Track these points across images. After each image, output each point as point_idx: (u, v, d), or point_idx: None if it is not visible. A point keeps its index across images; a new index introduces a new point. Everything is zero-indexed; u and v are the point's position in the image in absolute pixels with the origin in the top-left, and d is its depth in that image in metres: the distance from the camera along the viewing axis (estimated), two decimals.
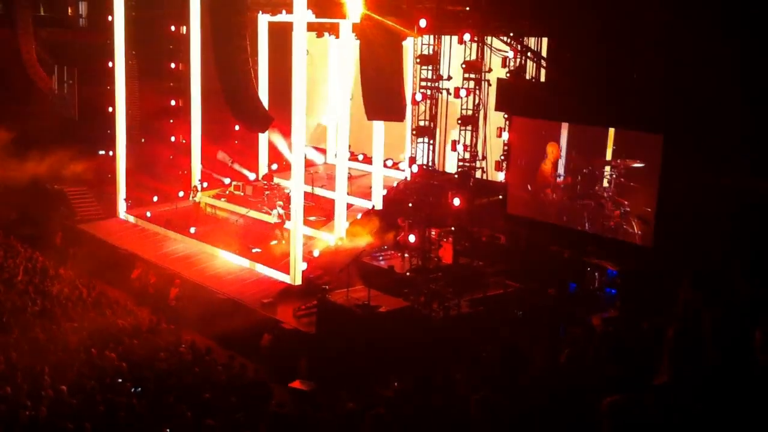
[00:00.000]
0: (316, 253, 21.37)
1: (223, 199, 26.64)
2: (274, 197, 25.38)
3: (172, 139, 28.05)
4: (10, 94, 29.22)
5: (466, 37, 19.28)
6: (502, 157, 20.26)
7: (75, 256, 23.47)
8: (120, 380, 14.16)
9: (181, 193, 26.94)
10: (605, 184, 17.22)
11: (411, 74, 21.77)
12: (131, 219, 26.29)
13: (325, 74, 28.37)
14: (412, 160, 19.73)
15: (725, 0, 14.88)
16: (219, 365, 15.60)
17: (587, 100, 17.27)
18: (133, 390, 13.90)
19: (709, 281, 13.59)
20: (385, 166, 25.09)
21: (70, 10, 33.47)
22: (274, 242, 22.39)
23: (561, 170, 18.10)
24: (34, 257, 22.23)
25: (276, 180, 27.11)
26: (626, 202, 16.63)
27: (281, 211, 22.83)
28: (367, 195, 24.48)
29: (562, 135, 18.09)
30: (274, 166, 28.72)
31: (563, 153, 18.04)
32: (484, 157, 20.46)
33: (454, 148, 19.50)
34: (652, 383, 9.60)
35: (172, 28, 27.54)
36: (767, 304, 11.06)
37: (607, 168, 17.12)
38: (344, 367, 15.61)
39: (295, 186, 20.91)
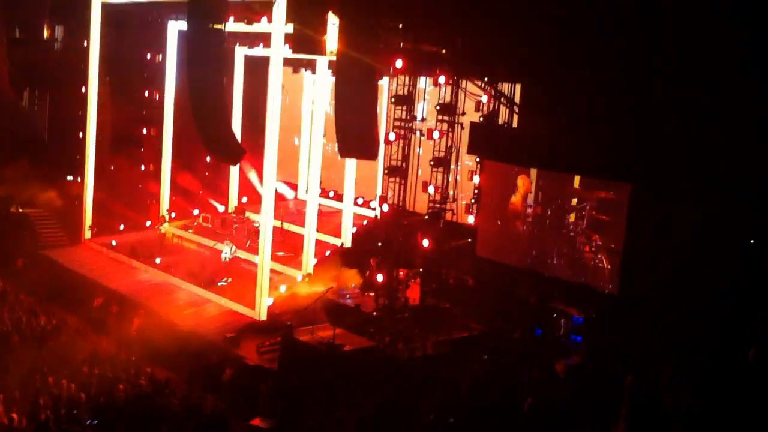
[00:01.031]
0: (282, 289, 21.19)
1: (190, 230, 26.41)
2: (242, 231, 25.23)
3: (142, 167, 27.85)
4: None
5: (441, 79, 19.49)
6: (473, 200, 20.39)
7: (36, 281, 23.06)
8: (75, 411, 13.86)
9: (148, 223, 26.72)
10: (572, 219, 17.46)
11: (385, 113, 21.92)
12: (96, 247, 25.89)
13: (300, 110, 28.45)
14: (383, 199, 19.74)
15: (690, 52, 15.19)
16: (177, 398, 15.34)
17: (558, 148, 17.48)
18: (89, 422, 13.62)
19: (671, 330, 13.71)
20: (355, 203, 25.09)
21: (46, 33, 33.31)
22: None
23: (531, 201, 18.32)
24: None
25: (247, 214, 26.96)
26: (597, 237, 16.84)
27: (229, 254, 22.84)
28: (336, 232, 24.41)
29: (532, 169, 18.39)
30: (244, 199, 28.61)
31: (533, 186, 18.30)
32: (454, 199, 20.56)
33: (424, 190, 19.57)
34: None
35: (148, 56, 27.52)
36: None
37: (574, 201, 17.38)
38: (306, 405, 15.41)
39: (265, 220, 20.81)
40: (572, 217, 17.59)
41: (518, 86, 20.62)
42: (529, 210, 18.35)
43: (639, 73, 16.10)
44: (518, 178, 18.58)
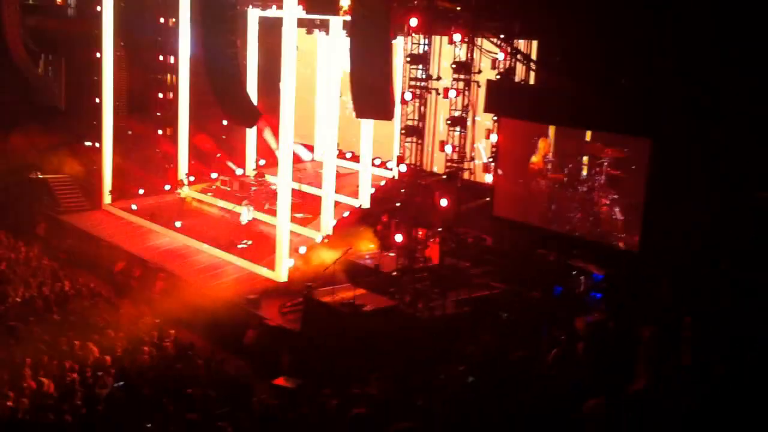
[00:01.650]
0: (302, 251, 21.31)
1: (209, 194, 26.54)
2: (261, 193, 25.32)
3: (159, 132, 27.92)
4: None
5: (457, 37, 19.27)
6: (490, 159, 20.29)
7: (58, 246, 23.33)
8: (101, 373, 14.09)
9: (167, 187, 26.88)
10: (589, 174, 17.47)
11: (401, 73, 21.76)
12: (116, 211, 26.08)
13: (315, 71, 28.31)
14: (400, 160, 19.69)
15: (713, 6, 14.93)
16: (201, 360, 15.56)
17: (576, 104, 17.31)
18: (114, 384, 13.85)
19: (689, 284, 13.69)
20: (373, 164, 25.07)
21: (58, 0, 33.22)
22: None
23: (551, 160, 18.27)
24: (17, 247, 22.05)
25: (266, 176, 27.01)
26: (614, 192, 16.83)
27: (248, 215, 22.95)
28: (354, 193, 24.44)
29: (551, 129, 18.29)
30: (262, 162, 28.66)
31: (551, 147, 18.21)
32: (472, 159, 20.48)
33: (441, 149, 19.49)
34: (631, 387, 9.66)
35: (161, 20, 27.42)
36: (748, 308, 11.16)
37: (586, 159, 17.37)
38: (329, 365, 15.58)
39: (282, 182, 20.85)
40: (587, 171, 17.51)
41: (534, 43, 20.37)
42: (549, 168, 18.26)
43: (658, 24, 15.85)
44: (540, 140, 18.48)
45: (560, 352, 11.23)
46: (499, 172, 19.42)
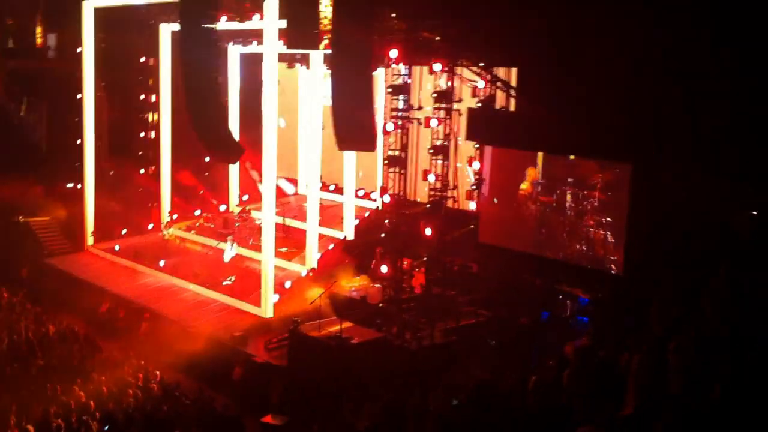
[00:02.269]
0: (287, 285, 21.18)
1: (192, 231, 26.41)
2: (245, 229, 25.21)
3: (142, 171, 27.87)
4: None
5: (437, 66, 19.40)
6: (473, 186, 20.33)
7: (41, 289, 23.10)
8: (86, 418, 13.86)
9: (150, 226, 26.76)
10: (577, 200, 17.53)
11: (382, 104, 21.84)
12: (99, 252, 25.89)
13: (297, 105, 28.41)
14: (384, 190, 19.70)
15: (691, 31, 15.09)
16: (188, 400, 15.35)
17: (556, 130, 17.40)
18: (100, 429, 13.63)
19: (676, 310, 13.66)
20: (356, 196, 25.05)
21: (39, 42, 33.25)
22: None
23: (539, 188, 18.36)
24: (0, 292, 21.81)
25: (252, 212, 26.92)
26: (603, 218, 16.88)
27: (232, 252, 22.87)
28: (339, 225, 24.38)
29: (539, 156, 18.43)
30: (245, 197, 28.61)
31: (539, 175, 18.34)
32: (455, 186, 20.51)
33: (425, 178, 19.52)
34: (619, 414, 9.58)
35: (142, 59, 27.48)
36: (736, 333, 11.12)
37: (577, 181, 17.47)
38: (317, 400, 15.41)
39: (267, 217, 20.77)
40: (573, 198, 17.58)
41: (514, 70, 20.52)
42: (539, 191, 18.38)
43: (636, 50, 15.99)
44: (527, 168, 18.61)
45: (541, 378, 11.14)
46: (495, 201, 19.53)
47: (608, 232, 16.98)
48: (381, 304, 18.82)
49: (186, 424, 14.02)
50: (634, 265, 16.03)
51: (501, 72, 20.52)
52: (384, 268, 18.77)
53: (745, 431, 8.43)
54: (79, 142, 26.75)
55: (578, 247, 17.50)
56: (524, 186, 18.81)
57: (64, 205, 27.76)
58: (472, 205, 20.76)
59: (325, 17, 17.31)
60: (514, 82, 20.54)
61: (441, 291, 19.06)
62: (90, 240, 26.31)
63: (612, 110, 16.61)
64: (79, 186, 27.33)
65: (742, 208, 14.25)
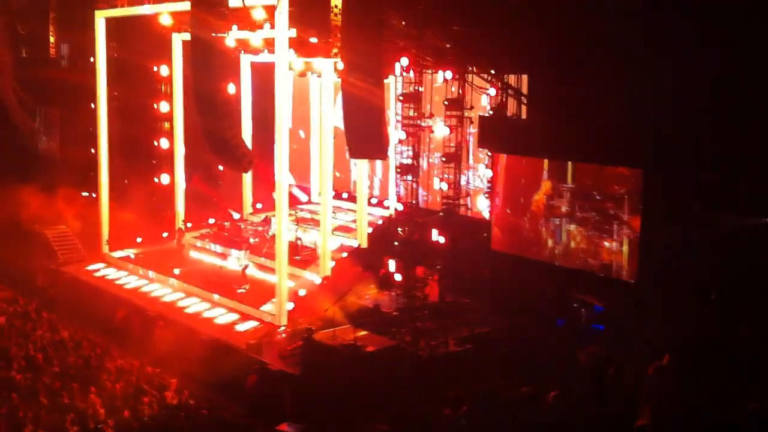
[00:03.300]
0: (301, 293, 21.25)
1: (207, 240, 26.54)
2: (259, 237, 25.31)
3: (156, 179, 28.01)
4: None
5: (448, 74, 19.47)
6: (485, 194, 20.37)
7: (56, 298, 23.24)
8: (101, 426, 13.95)
9: (165, 234, 26.90)
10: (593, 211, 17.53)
11: (393, 112, 21.92)
12: (114, 260, 26.06)
13: (309, 113, 28.54)
14: (396, 198, 19.77)
15: (702, 37, 15.08)
16: (202, 408, 15.42)
17: (567, 137, 17.42)
18: None
19: (688, 318, 13.64)
20: (369, 203, 25.10)
21: (52, 52, 33.51)
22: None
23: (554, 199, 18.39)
24: (16, 300, 21.98)
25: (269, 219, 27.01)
26: (618, 227, 16.87)
27: (244, 261, 22.94)
28: (352, 233, 24.43)
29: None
30: (259, 205, 28.73)
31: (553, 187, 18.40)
32: (467, 194, 20.56)
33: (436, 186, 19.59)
34: (636, 424, 9.57)
35: (155, 68, 27.64)
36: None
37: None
38: (331, 408, 15.44)
39: (280, 225, 20.84)
40: (588, 207, 17.59)
41: (525, 77, 20.55)
42: (553, 203, 18.38)
43: (647, 58, 16.00)
44: (542, 181, 18.64)
45: (561, 394, 11.14)
46: (508, 211, 19.50)
47: (623, 242, 16.95)
48: (394, 312, 18.85)
49: None
50: (647, 273, 15.99)
51: (512, 80, 20.56)
52: (398, 276, 18.81)
53: None
54: (93, 151, 26.93)
55: (592, 256, 17.49)
56: (537, 197, 18.82)
57: (79, 213, 27.91)
58: (485, 212, 20.79)
59: (336, 12, 17.38)
60: (525, 90, 20.57)
61: (455, 299, 19.08)
62: (105, 248, 26.47)
63: (623, 116, 16.63)
64: (93, 194, 27.49)
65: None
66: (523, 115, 20.41)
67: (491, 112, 20.26)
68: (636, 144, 16.18)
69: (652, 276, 15.79)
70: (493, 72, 20.30)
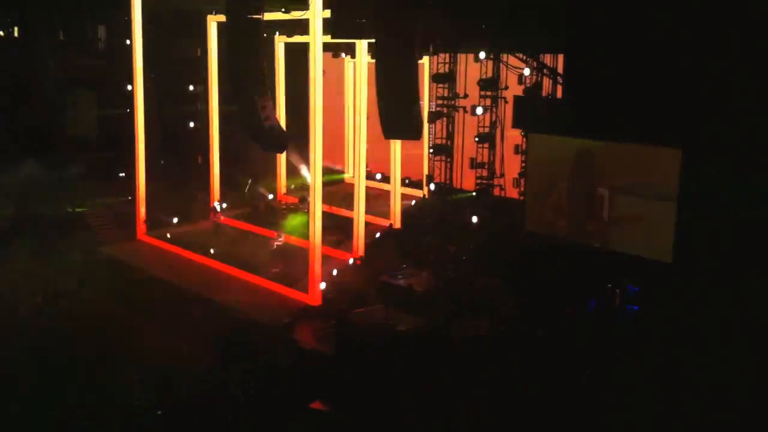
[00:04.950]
0: (334, 273, 21.35)
1: (241, 220, 26.77)
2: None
3: (192, 160, 28.29)
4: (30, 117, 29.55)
5: (482, 54, 19.31)
6: (520, 175, 20.22)
7: (95, 278, 23.61)
8: (141, 405, 14.22)
9: (200, 214, 27.18)
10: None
11: (428, 92, 21.81)
12: (151, 241, 26.39)
13: (343, 94, 28.55)
14: (430, 178, 19.72)
15: (745, 15, 14.78)
16: (237, 387, 15.62)
17: (604, 116, 17.20)
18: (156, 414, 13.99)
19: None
20: (403, 184, 25.08)
21: (89, 34, 33.84)
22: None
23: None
24: (57, 280, 22.38)
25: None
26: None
27: (279, 240, 23.19)
28: (385, 214, 24.46)
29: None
30: (293, 186, 28.88)
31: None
32: (502, 174, 20.44)
33: (471, 166, 19.49)
34: None
35: (190, 50, 27.85)
36: None
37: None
38: (364, 387, 15.54)
39: (314, 205, 20.94)
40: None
41: (560, 57, 20.31)
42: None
43: (687, 33, 15.72)
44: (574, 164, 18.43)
45: (594, 371, 11.11)
46: (541, 191, 19.29)
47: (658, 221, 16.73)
48: (427, 293, 18.86)
49: (236, 410, 14.27)
50: (685, 253, 15.79)
51: (547, 58, 20.33)
52: (431, 256, 18.81)
53: None
54: (130, 132, 27.21)
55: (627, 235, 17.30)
56: (569, 179, 18.59)
57: (117, 194, 28.29)
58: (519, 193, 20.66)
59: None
60: (561, 69, 20.34)
61: (487, 280, 19.02)
62: (142, 228, 26.82)
63: (660, 95, 16.37)
64: (130, 176, 27.81)
65: None
66: (558, 95, 20.18)
67: (525, 92, 20.07)
68: (675, 123, 15.92)
69: (690, 256, 15.58)
70: (528, 51, 20.08)
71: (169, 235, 26.10)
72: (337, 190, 27.81)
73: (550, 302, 17.58)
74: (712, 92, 15.16)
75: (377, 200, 25.62)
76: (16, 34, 33.07)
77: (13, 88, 29.41)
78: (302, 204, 24.21)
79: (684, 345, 11.30)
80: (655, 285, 16.29)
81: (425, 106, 23.02)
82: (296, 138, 22.99)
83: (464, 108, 20.10)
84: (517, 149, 20.65)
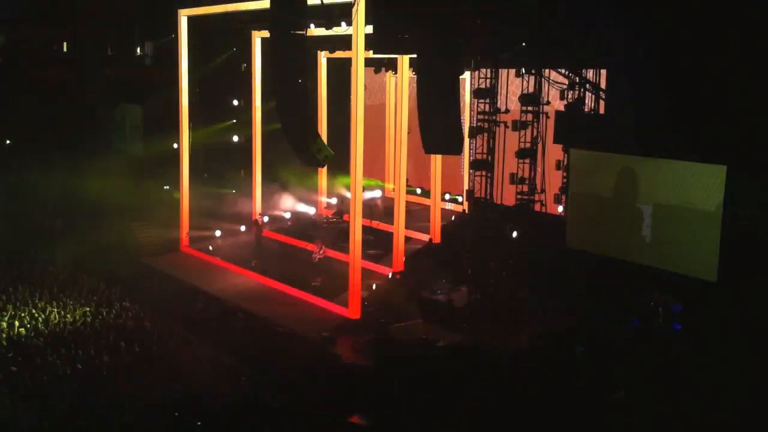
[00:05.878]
0: (374, 287, 21.40)
1: (282, 233, 27.00)
2: (333, 231, 25.63)
3: (236, 174, 28.67)
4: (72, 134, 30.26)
5: (523, 69, 19.28)
6: (561, 190, 20.11)
7: (138, 289, 23.97)
8: (178, 414, 14.37)
9: (242, 227, 27.48)
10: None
11: (468, 107, 21.82)
12: (194, 252, 26.73)
13: (384, 109, 28.70)
14: (470, 194, 19.70)
15: None
16: (276, 399, 15.71)
17: (647, 132, 17.06)
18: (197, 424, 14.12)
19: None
20: (443, 199, 25.09)
21: (137, 50, 34.56)
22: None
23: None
24: (99, 289, 22.75)
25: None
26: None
27: (320, 254, 23.38)
28: (425, 228, 24.48)
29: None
30: (333, 200, 29.07)
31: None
32: (542, 190, 20.34)
33: (511, 182, 19.42)
34: None
35: (235, 66, 28.26)
36: None
37: None
38: (402, 401, 15.52)
39: (354, 220, 21.04)
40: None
41: (603, 71, 20.19)
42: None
43: (731, 50, 15.55)
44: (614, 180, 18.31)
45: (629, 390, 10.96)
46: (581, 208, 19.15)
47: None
48: (467, 308, 18.81)
49: (274, 422, 14.35)
50: (729, 272, 15.56)
51: (589, 74, 20.22)
52: (470, 272, 18.77)
53: None
54: (175, 146, 27.65)
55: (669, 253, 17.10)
56: (614, 193, 18.45)
57: (161, 206, 28.74)
58: (560, 209, 20.53)
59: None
60: (603, 84, 20.22)
61: (528, 295, 18.92)
62: (185, 240, 27.18)
63: (705, 111, 16.19)
64: (175, 188, 28.25)
65: None
66: (601, 110, 20.05)
67: (567, 107, 19.97)
68: (719, 140, 15.73)
69: (735, 275, 15.34)
70: (570, 66, 19.99)
71: (211, 248, 26.41)
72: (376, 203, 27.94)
73: (591, 319, 17.43)
74: (758, 109, 14.95)
75: (416, 215, 25.70)
76: (65, 50, 33.96)
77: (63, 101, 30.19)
78: (338, 218, 24.50)
79: (727, 366, 11.09)
80: (699, 304, 16.06)
81: (466, 120, 23.05)
82: (337, 154, 23.14)
83: (505, 123, 20.05)
84: (558, 165, 20.54)
